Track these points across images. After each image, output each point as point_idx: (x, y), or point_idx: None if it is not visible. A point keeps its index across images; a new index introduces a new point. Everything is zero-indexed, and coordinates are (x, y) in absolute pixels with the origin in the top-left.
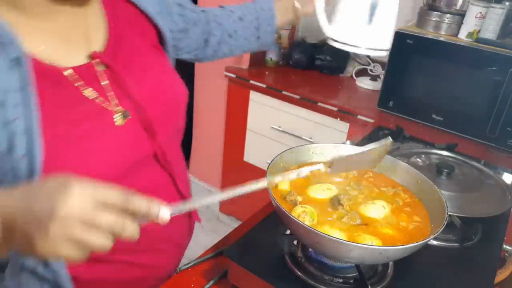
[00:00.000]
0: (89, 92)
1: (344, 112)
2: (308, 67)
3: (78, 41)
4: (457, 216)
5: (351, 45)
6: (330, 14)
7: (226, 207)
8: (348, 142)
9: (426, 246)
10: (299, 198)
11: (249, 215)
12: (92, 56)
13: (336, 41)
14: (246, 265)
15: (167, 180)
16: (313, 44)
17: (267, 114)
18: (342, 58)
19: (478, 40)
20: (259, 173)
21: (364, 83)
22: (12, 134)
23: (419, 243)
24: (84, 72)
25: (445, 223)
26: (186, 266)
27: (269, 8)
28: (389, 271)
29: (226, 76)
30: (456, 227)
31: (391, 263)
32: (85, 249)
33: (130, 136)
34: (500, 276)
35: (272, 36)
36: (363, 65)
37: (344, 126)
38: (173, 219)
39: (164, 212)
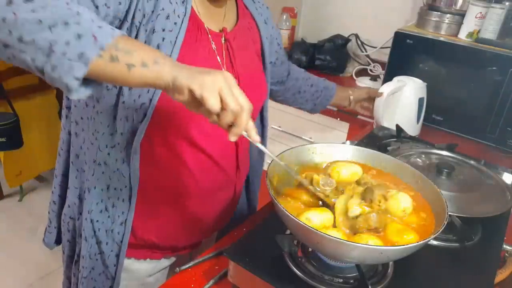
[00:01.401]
0: (214, 48)
1: (344, 112)
2: (308, 67)
3: (217, 19)
4: (457, 216)
5: None
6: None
7: None
8: (348, 142)
9: (426, 246)
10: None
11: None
12: (222, 30)
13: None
14: (246, 265)
15: (231, 148)
16: (313, 44)
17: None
18: (342, 58)
19: (478, 40)
20: None
21: (364, 83)
22: (162, 39)
23: (419, 243)
24: (215, 36)
25: (445, 223)
26: (186, 266)
27: (332, 89)
28: (389, 271)
29: None
30: (456, 227)
31: (391, 263)
32: (219, 102)
33: None
34: (500, 276)
35: (322, 108)
36: (363, 65)
37: (344, 126)
38: (224, 186)
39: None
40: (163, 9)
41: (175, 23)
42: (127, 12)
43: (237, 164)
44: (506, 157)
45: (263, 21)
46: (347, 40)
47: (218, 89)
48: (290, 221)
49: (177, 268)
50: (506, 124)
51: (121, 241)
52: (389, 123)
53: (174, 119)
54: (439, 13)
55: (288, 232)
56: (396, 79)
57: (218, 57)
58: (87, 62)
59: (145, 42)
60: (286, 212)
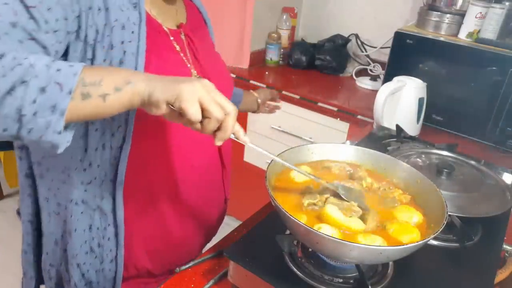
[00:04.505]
0: (177, 47)
1: (344, 112)
2: (308, 67)
3: (172, 16)
4: (457, 216)
5: None
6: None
7: None
8: (348, 142)
9: (426, 246)
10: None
11: (249, 215)
12: (179, 26)
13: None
14: (246, 265)
15: (214, 151)
16: (313, 44)
17: (267, 114)
18: (342, 58)
19: (478, 40)
20: (259, 173)
21: (364, 83)
22: (124, 52)
23: (419, 243)
24: (174, 34)
25: (445, 223)
26: (186, 266)
27: (240, 95)
28: (389, 271)
29: None
30: (456, 227)
31: (391, 263)
32: (200, 111)
33: None
34: (500, 276)
35: None
36: (363, 65)
37: (344, 126)
38: (213, 200)
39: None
40: (116, 20)
41: (133, 32)
42: (78, 32)
43: (223, 176)
44: (506, 157)
45: (207, 15)
46: (347, 40)
47: (198, 98)
48: (290, 221)
49: (177, 268)
50: (506, 124)
51: (114, 277)
52: (389, 123)
53: (155, 138)
54: (439, 13)
55: (288, 232)
56: (396, 79)
57: (182, 56)
58: (63, 113)
59: (104, 60)
60: (286, 213)
